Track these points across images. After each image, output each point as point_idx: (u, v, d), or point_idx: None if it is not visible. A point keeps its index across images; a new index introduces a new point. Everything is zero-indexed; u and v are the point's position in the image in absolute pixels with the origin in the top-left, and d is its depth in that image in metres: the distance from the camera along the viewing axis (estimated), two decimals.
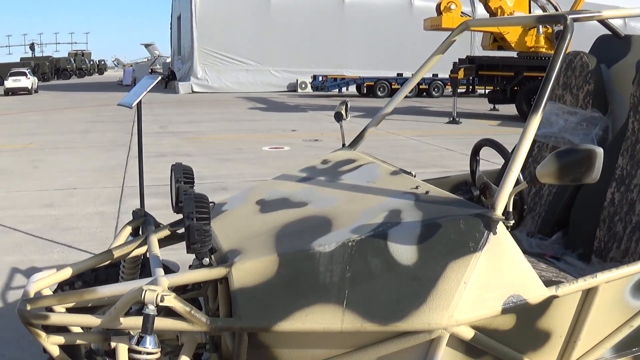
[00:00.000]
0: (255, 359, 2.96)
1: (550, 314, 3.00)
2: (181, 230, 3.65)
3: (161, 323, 2.81)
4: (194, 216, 2.89)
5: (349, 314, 2.76)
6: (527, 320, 2.95)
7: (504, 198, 2.90)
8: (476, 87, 26.51)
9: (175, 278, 2.90)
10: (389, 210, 3.01)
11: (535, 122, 3.08)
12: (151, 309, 2.66)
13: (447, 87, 34.17)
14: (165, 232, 3.65)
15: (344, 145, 4.30)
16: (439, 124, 20.56)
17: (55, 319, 2.91)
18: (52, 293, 3.38)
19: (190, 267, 3.36)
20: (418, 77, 4.22)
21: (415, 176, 3.53)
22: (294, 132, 17.84)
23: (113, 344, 3.04)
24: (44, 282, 3.27)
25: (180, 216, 3.60)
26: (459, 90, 22.54)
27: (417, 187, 3.22)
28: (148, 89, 5.80)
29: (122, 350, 3.01)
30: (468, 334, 2.85)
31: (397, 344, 2.84)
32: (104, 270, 3.74)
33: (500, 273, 2.84)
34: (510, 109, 23.75)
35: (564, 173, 2.67)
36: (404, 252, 2.81)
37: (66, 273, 3.36)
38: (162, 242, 3.62)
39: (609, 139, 4.29)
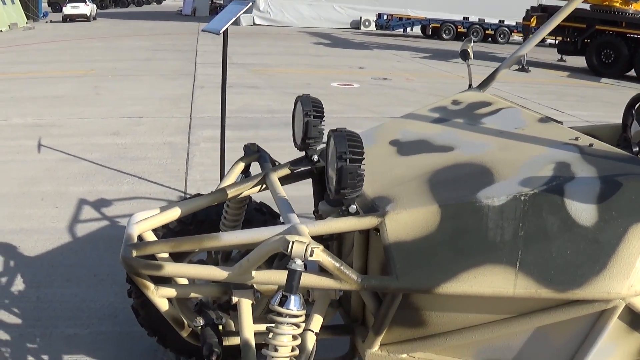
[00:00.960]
0: (400, 320, 2.71)
1: None
2: (300, 170, 3.33)
3: (305, 279, 2.49)
4: (347, 157, 2.50)
5: (523, 278, 2.49)
6: None
7: None
8: (546, 36, 25.50)
9: (317, 226, 2.59)
10: (555, 162, 2.69)
11: None
12: (299, 264, 2.36)
13: (513, 34, 33.35)
14: (285, 171, 3.29)
15: (470, 86, 3.89)
16: (507, 70, 19.79)
17: (170, 269, 2.58)
18: (155, 237, 3.09)
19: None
20: (557, 20, 3.72)
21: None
22: (361, 70, 17.26)
23: (235, 299, 2.70)
24: (147, 224, 2.94)
25: (298, 154, 3.34)
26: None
27: (577, 139, 2.88)
28: (237, 15, 5.37)
29: (245, 306, 2.68)
30: None
31: (566, 312, 2.57)
32: (203, 210, 3.30)
33: None
34: (578, 61, 23.07)
35: None
36: (583, 211, 2.51)
37: (173, 214, 3.03)
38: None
39: None
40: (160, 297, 2.74)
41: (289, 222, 2.66)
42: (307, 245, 2.36)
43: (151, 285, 2.72)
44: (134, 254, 2.59)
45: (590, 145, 2.80)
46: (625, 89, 16.17)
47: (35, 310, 4.24)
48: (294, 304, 2.39)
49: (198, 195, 3.31)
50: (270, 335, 2.43)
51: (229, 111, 10.01)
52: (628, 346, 2.69)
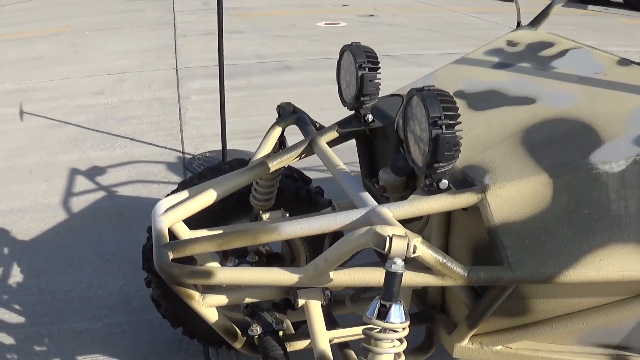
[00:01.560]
0: (497, 310, 2.31)
1: None
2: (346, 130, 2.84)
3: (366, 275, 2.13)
4: (443, 122, 2.04)
5: None
6: None
7: None
8: None
9: (402, 209, 2.14)
10: None
11: None
12: (399, 266, 1.89)
13: None
14: (333, 134, 2.80)
15: (519, 23, 3.37)
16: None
17: (224, 276, 2.13)
18: (187, 230, 2.66)
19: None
20: None
21: None
22: (345, 7, 16.58)
23: (301, 301, 2.28)
24: (177, 214, 2.48)
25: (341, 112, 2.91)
26: None
27: None
28: None
29: (315, 310, 2.27)
30: None
31: None
32: None
33: None
34: None
35: None
36: None
37: (207, 198, 2.57)
38: None
39: None
40: (209, 307, 2.30)
41: (364, 205, 2.21)
42: (409, 241, 1.91)
43: (196, 295, 2.27)
44: (171, 256, 2.15)
45: None
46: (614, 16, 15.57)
47: (38, 304, 3.78)
48: (397, 315, 1.92)
49: (231, 167, 2.87)
50: (368, 356, 1.97)
51: (211, 59, 9.52)
52: None
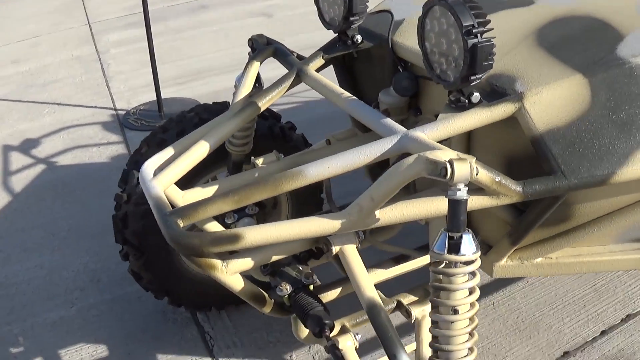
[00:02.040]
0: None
1: None
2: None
3: (425, 206, 1.98)
4: (478, 30, 1.89)
5: None
6: None
7: None
8: None
9: (439, 129, 2.01)
10: None
11: None
12: (464, 192, 1.75)
13: None
14: (319, 62, 2.61)
15: None
16: None
17: (255, 236, 1.90)
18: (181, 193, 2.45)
19: None
20: None
21: None
22: None
23: (336, 248, 2.10)
24: (169, 176, 2.24)
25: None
26: None
27: None
28: None
29: (353, 255, 2.10)
30: None
31: None
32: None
33: None
34: None
35: None
36: None
37: (199, 152, 2.34)
38: None
39: None
40: (233, 274, 2.06)
41: (390, 131, 2.08)
42: (472, 164, 1.76)
43: (219, 263, 2.02)
44: (181, 224, 1.93)
45: None
46: None
47: (2, 300, 3.45)
48: (469, 246, 1.77)
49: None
50: (441, 295, 1.80)
51: (123, 8, 9.06)
52: None
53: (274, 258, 2.14)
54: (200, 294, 3.05)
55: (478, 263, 1.80)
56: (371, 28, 2.61)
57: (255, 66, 2.64)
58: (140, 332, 3.15)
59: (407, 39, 2.47)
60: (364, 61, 2.74)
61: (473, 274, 1.81)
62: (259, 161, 2.64)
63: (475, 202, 1.94)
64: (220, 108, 2.88)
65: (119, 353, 3.07)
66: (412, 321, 2.26)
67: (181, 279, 2.96)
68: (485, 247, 2.38)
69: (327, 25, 2.62)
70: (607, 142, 2.05)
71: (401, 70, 2.48)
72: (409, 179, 1.84)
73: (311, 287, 2.20)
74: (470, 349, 1.84)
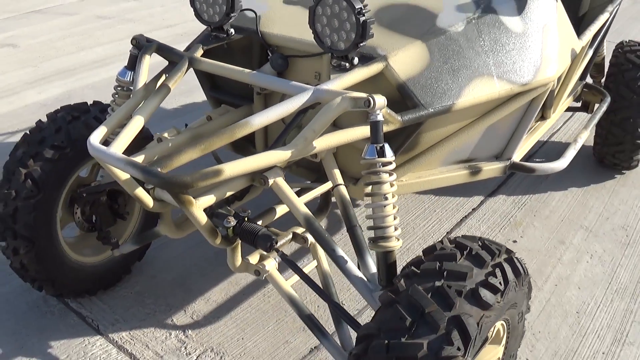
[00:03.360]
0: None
1: None
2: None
3: (345, 135, 2.52)
4: (365, 11, 2.60)
5: (500, 81, 2.94)
6: None
7: None
8: None
9: (337, 84, 2.57)
10: None
11: None
12: (381, 114, 2.40)
13: None
14: (200, 52, 3.04)
15: None
16: None
17: (232, 169, 2.27)
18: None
19: None
20: None
21: None
22: None
23: (271, 181, 2.56)
24: (119, 144, 2.51)
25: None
26: None
27: None
28: None
29: (283, 184, 2.58)
30: None
31: (513, 104, 3.09)
32: (74, 122, 3.17)
33: None
34: None
35: None
36: (514, 23, 3.09)
37: (137, 124, 2.62)
38: None
39: None
40: (200, 210, 2.47)
41: (302, 90, 2.55)
42: (383, 99, 2.39)
43: (193, 200, 2.41)
44: (163, 171, 2.24)
45: None
46: None
47: None
48: (389, 151, 2.40)
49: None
50: (373, 188, 2.39)
51: None
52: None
53: (228, 193, 2.59)
54: (80, 280, 3.32)
55: (393, 165, 2.40)
56: (237, 23, 3.12)
57: (147, 59, 2.92)
58: (24, 328, 3.26)
59: (273, 28, 3.04)
60: (227, 53, 3.21)
61: (391, 174, 2.41)
62: (166, 134, 2.96)
63: (363, 131, 2.51)
64: (86, 107, 3.20)
65: (12, 348, 3.16)
66: (308, 245, 2.79)
67: (64, 268, 3.21)
68: (354, 180, 3.02)
69: (205, 22, 3.05)
70: (445, 83, 2.81)
71: (270, 54, 3.01)
72: (340, 112, 2.39)
73: (246, 219, 2.64)
74: (396, 227, 2.42)
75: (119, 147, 2.44)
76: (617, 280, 3.68)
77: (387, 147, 2.39)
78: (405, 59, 2.77)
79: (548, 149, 5.09)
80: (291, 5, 3.22)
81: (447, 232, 4.08)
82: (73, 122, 3.11)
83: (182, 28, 8.35)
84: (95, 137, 2.49)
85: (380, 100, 2.37)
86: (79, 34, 8.06)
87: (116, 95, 3.02)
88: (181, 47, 6.37)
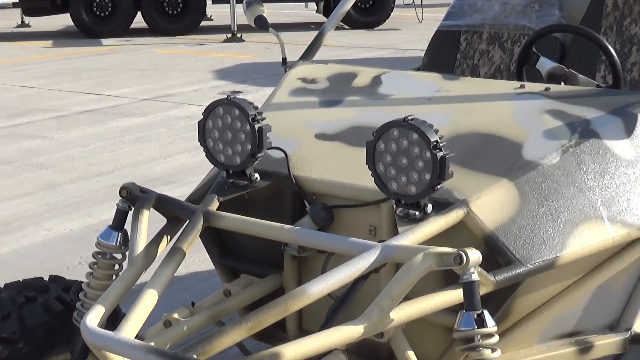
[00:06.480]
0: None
1: None
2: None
3: (439, 298, 2.15)
4: (442, 145, 2.19)
5: (613, 225, 2.45)
6: None
7: None
8: None
9: (414, 236, 2.19)
10: (550, 112, 2.63)
11: None
12: (476, 274, 2.01)
13: None
14: (215, 206, 2.50)
15: (285, 59, 3.30)
16: None
17: (293, 354, 1.91)
18: None
19: None
20: None
21: None
22: None
23: None
24: (133, 326, 2.08)
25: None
26: None
27: (521, 87, 2.83)
28: None
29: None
30: None
31: (631, 254, 2.55)
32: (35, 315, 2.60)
33: None
34: (50, 24, 18.00)
35: None
36: (623, 148, 2.58)
37: (151, 299, 2.18)
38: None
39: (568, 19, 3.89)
40: None
41: (362, 248, 2.18)
42: (476, 252, 2.00)
43: None
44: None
45: (547, 89, 2.76)
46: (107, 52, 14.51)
47: None
48: (490, 319, 2.01)
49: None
50: None
51: None
52: None
53: None
54: None
55: (497, 336, 2.03)
56: (262, 167, 2.59)
57: (146, 216, 2.46)
58: None
59: (310, 171, 2.57)
60: (245, 206, 2.68)
61: (494, 350, 2.03)
62: (176, 315, 2.49)
63: (458, 294, 2.09)
64: (43, 284, 2.68)
65: None
66: None
67: None
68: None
69: (222, 165, 2.56)
70: (544, 232, 2.33)
71: (308, 205, 2.52)
72: (422, 274, 2.02)
73: None
74: None
75: (130, 331, 2.04)
76: None
77: (486, 314, 2.01)
78: (491, 203, 2.34)
79: None
80: (326, 141, 2.74)
81: None
82: (27, 305, 2.55)
83: (118, 177, 6.52)
84: (92, 320, 2.08)
85: (474, 255, 1.99)
86: None
87: (95, 266, 2.53)
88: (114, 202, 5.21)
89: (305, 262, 2.63)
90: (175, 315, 2.48)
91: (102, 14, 15.89)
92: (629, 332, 2.71)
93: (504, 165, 2.43)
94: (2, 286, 2.67)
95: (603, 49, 3.08)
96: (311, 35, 3.54)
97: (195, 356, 1.87)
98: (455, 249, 1.98)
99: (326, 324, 2.18)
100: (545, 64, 3.19)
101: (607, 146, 2.56)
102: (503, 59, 3.96)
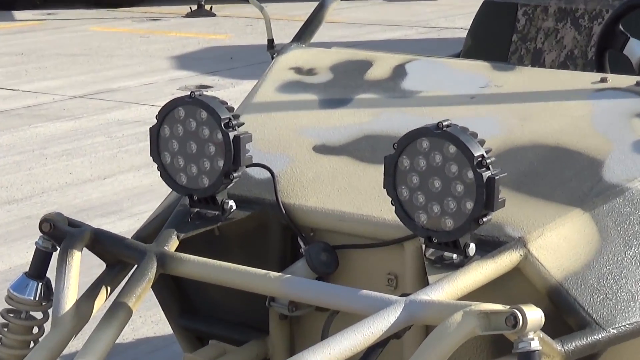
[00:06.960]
0: None
1: None
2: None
3: None
4: (489, 162, 2.20)
5: None
6: None
7: None
8: None
9: (449, 287, 2.22)
10: (637, 115, 2.70)
11: None
12: (537, 341, 2.03)
13: None
14: (174, 244, 2.58)
15: (271, 41, 3.54)
16: None
17: None
18: None
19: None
20: None
21: None
22: None
23: None
24: None
25: None
26: None
27: (603, 80, 2.88)
28: None
29: None
30: None
31: None
32: None
33: None
34: None
35: None
36: None
37: None
38: None
39: None
40: None
41: (380, 303, 2.22)
42: (540, 314, 2.04)
43: None
44: None
45: (639, 84, 2.80)
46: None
47: None
48: None
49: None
50: None
51: None
52: None
53: None
54: None
55: None
56: (238, 191, 2.68)
57: (77, 258, 2.52)
58: None
59: (305, 198, 2.63)
60: (215, 246, 2.76)
61: None
62: None
63: None
64: None
65: None
66: None
67: None
68: None
69: (183, 189, 2.63)
70: (634, 283, 2.37)
71: (304, 244, 2.58)
72: (462, 340, 2.03)
73: None
74: None
75: None
76: None
77: None
78: (559, 242, 2.37)
79: None
80: (329, 155, 2.83)
81: None
82: None
83: (38, 205, 6.81)
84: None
85: (534, 315, 2.00)
86: None
87: (5, 330, 2.64)
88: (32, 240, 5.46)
89: (299, 323, 2.69)
90: None
91: None
92: None
93: (577, 189, 2.46)
94: None
95: None
96: (309, 7, 3.64)
97: None
98: (508, 307, 2.01)
99: None
100: (636, 49, 3.29)
101: None
102: (577, 42, 4.06)
